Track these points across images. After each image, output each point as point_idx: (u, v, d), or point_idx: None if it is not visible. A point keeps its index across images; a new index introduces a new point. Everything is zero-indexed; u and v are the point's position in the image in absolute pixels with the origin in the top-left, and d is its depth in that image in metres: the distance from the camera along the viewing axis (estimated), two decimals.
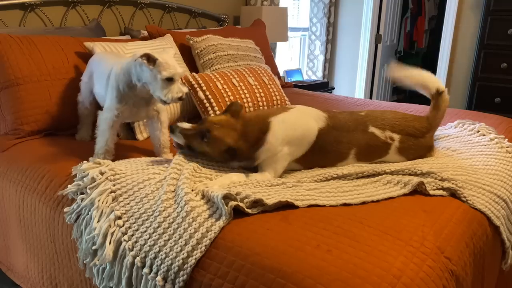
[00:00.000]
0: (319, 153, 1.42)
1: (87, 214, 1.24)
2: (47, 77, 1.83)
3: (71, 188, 1.33)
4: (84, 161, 1.43)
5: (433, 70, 4.37)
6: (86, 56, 1.98)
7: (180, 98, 1.37)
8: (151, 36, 2.40)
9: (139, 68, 1.39)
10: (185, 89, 1.38)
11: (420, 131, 1.53)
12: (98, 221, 1.20)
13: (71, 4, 2.36)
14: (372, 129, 1.47)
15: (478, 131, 1.79)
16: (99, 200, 1.24)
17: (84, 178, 1.33)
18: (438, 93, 1.62)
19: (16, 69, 1.77)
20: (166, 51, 1.40)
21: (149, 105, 1.55)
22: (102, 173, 1.33)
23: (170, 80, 1.35)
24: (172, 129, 1.37)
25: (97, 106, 1.74)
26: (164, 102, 1.38)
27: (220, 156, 1.36)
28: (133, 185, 1.28)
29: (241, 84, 2.08)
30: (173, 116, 2.03)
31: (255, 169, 1.41)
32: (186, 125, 1.36)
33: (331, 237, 1.02)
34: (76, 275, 1.35)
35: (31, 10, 2.20)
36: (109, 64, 1.57)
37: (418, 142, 1.52)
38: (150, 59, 1.34)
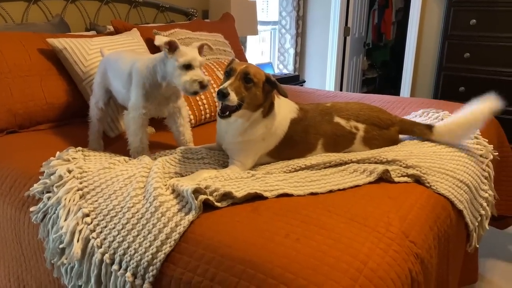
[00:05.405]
0: (289, 145, 1.43)
1: (54, 212, 1.21)
2: (8, 74, 1.77)
3: (37, 187, 1.30)
4: (51, 158, 1.40)
5: (401, 61, 4.47)
6: (49, 52, 1.93)
7: (201, 87, 1.35)
8: (117, 31, 2.36)
9: (163, 65, 1.41)
10: (205, 77, 1.36)
11: (385, 122, 1.55)
12: (66, 220, 1.17)
13: None
14: (337, 119, 1.49)
15: (442, 119, 1.84)
16: (65, 199, 1.21)
17: (51, 176, 1.30)
18: (428, 127, 1.59)
19: None
20: (191, 45, 1.43)
21: (171, 102, 1.56)
22: (69, 171, 1.30)
23: (188, 67, 1.35)
24: (223, 93, 1.22)
25: (111, 108, 1.76)
26: (186, 91, 1.36)
27: (262, 93, 1.33)
28: (100, 182, 1.26)
29: (209, 78, 2.07)
30: None
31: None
32: (226, 83, 1.27)
33: (299, 226, 1.03)
34: (44, 276, 1.32)
35: None
36: (128, 61, 1.55)
37: (382, 133, 1.53)
38: (172, 47, 1.36)
